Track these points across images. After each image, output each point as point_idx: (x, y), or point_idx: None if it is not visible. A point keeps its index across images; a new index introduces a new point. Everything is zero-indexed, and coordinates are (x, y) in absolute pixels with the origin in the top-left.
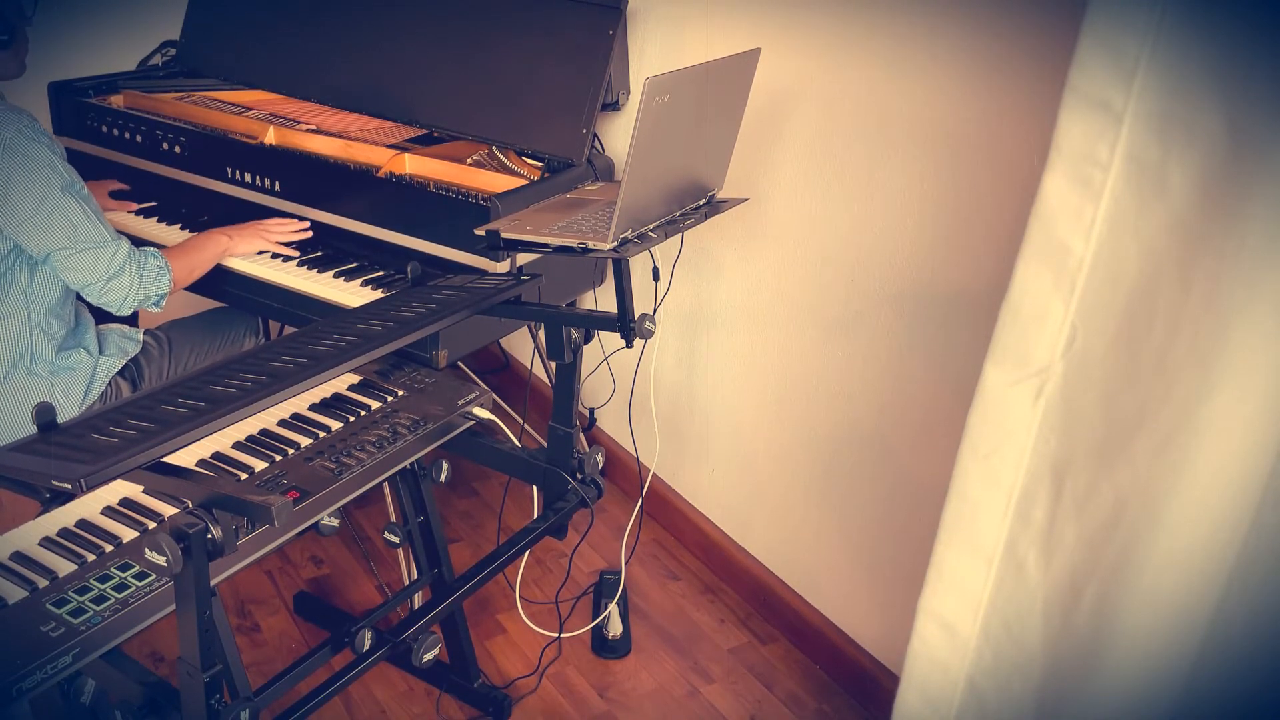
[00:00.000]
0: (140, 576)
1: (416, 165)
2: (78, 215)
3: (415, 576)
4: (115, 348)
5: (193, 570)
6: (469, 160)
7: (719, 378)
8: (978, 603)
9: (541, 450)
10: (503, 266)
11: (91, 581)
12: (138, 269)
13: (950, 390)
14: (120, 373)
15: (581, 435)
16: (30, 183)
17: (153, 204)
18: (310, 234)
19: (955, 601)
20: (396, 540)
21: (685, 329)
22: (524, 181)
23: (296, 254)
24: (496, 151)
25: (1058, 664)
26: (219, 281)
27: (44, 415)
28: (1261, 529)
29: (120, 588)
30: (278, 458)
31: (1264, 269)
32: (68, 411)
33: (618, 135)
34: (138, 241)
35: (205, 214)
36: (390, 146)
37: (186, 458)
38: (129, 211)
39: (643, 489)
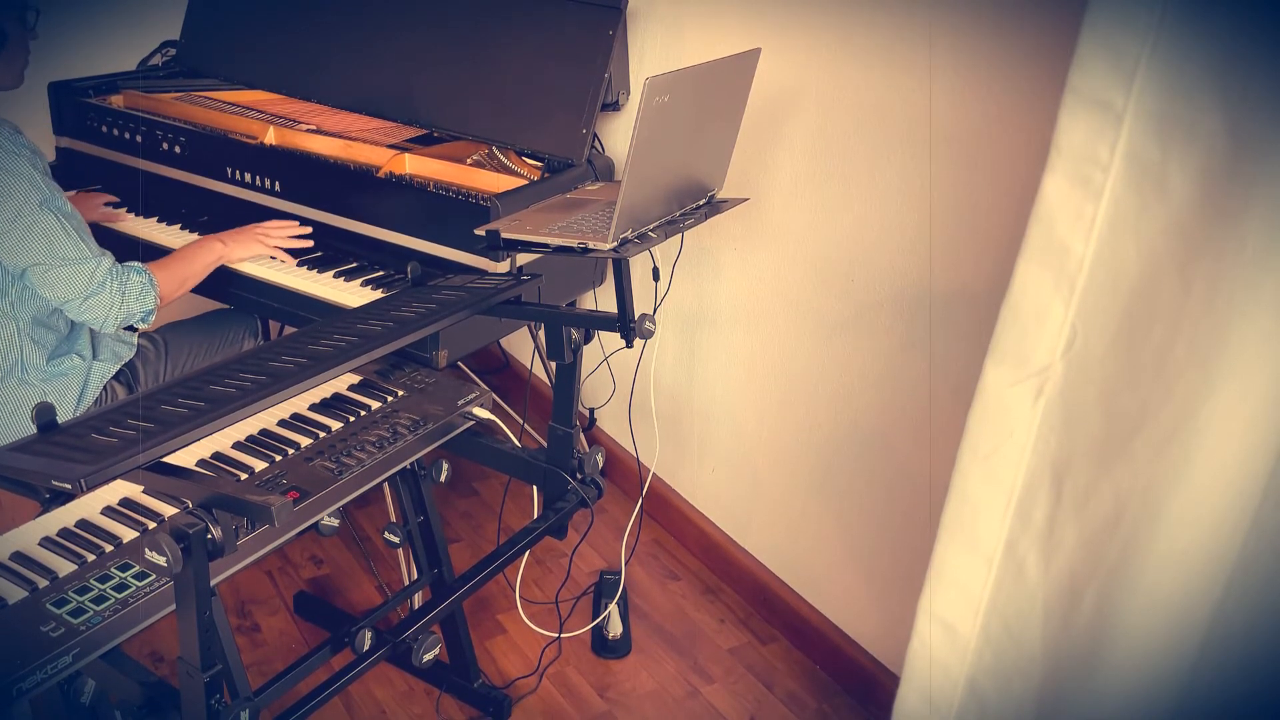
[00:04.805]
0: (140, 576)
1: (416, 165)
2: (55, 231)
3: (415, 576)
4: (109, 352)
5: (192, 570)
6: (469, 160)
7: (719, 377)
8: (978, 603)
9: (541, 450)
10: (503, 266)
11: (91, 581)
12: (119, 286)
13: (950, 390)
14: (115, 376)
15: (581, 435)
16: (6, 197)
17: (152, 207)
18: (309, 237)
19: (955, 601)
20: (396, 540)
21: (685, 329)
22: (524, 181)
23: (306, 253)
24: (496, 151)
25: (1058, 664)
26: (218, 282)
27: (44, 415)
28: (1261, 529)
29: (120, 588)
30: (278, 458)
31: (1264, 269)
32: (61, 418)
33: (618, 135)
34: (142, 245)
35: (205, 214)
36: (390, 146)
37: (186, 458)
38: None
39: (643, 489)
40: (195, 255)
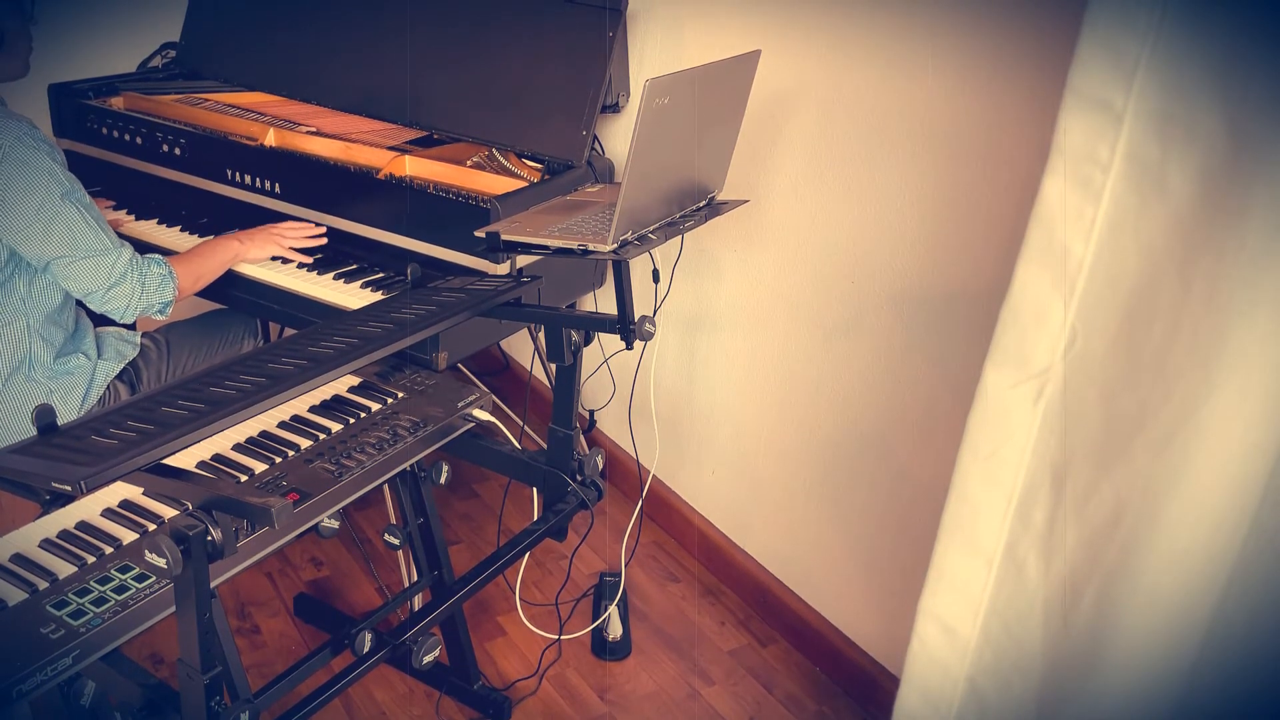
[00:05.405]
0: (140, 578)
1: (416, 167)
2: (77, 223)
3: (415, 578)
4: (113, 351)
5: (192, 572)
6: (469, 162)
7: (719, 379)
8: (978, 603)
9: (541, 452)
10: (503, 268)
11: (91, 583)
12: (139, 276)
13: (950, 390)
14: (118, 376)
15: (581, 437)
16: (29, 190)
17: (152, 209)
18: (324, 239)
19: (955, 602)
20: (396, 542)
21: (685, 331)
22: (524, 183)
23: (308, 260)
24: (496, 153)
25: (1058, 664)
26: (218, 283)
27: (44, 417)
28: (1261, 529)
29: (120, 589)
30: (278, 459)
31: (1264, 269)
32: (66, 417)
33: (618, 137)
34: (141, 247)
35: (205, 216)
36: (390, 148)
37: (186, 459)
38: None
39: (643, 491)
40: (213, 252)
